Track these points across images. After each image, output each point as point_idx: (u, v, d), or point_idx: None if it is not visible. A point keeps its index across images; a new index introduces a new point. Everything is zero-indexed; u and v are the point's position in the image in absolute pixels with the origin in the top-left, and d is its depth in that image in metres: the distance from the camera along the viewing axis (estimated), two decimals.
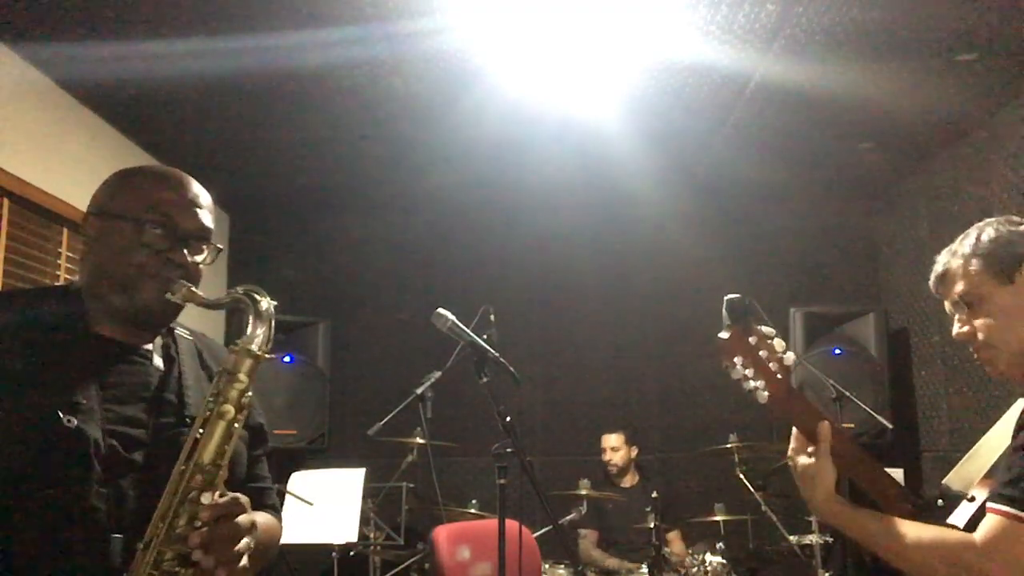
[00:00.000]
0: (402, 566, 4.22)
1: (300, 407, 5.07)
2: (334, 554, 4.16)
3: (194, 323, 1.63)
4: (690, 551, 4.59)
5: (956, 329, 1.66)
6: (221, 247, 1.53)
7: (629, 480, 5.11)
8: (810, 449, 1.60)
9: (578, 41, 3.57)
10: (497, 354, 2.45)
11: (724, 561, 4.12)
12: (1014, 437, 1.50)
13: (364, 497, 4.21)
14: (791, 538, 4.21)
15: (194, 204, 1.47)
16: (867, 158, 4.97)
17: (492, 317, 3.71)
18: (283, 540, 4.28)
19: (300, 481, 4.28)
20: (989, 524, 1.42)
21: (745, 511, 4.50)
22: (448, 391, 4.16)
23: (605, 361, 5.73)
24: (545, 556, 4.07)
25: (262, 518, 1.46)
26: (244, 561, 1.31)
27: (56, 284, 3.76)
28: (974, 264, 1.60)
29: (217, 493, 1.30)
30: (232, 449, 1.34)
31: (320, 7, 3.27)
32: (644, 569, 4.13)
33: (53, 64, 3.69)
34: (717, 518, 4.40)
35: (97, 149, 4.19)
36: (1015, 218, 1.65)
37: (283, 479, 4.26)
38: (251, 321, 1.40)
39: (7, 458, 1.26)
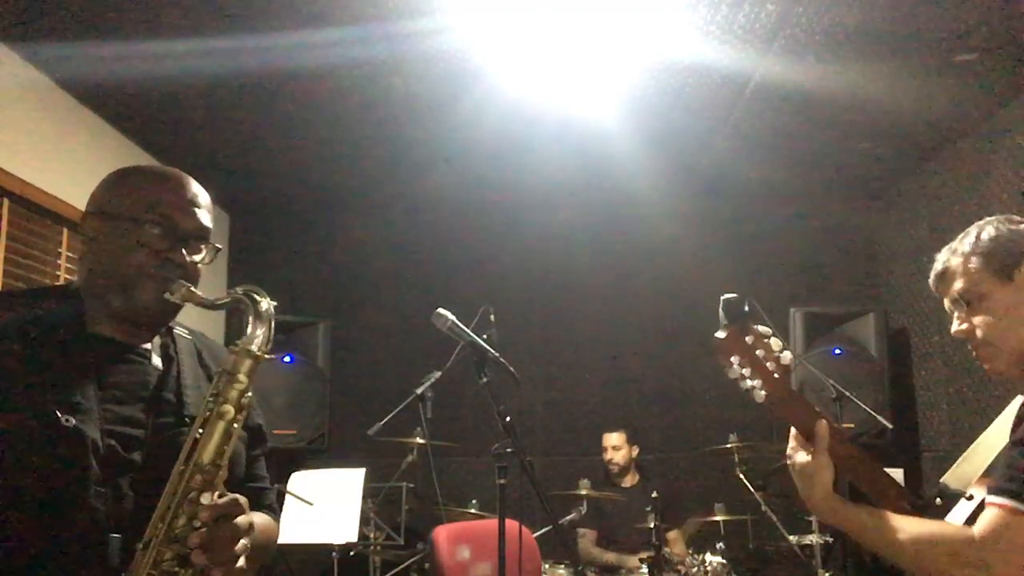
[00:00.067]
0: (402, 566, 4.22)
1: (300, 407, 5.07)
2: (334, 554, 4.16)
3: (194, 323, 1.63)
4: (680, 530, 4.62)
5: (955, 327, 1.66)
6: (220, 247, 1.52)
7: (629, 480, 5.11)
8: (808, 448, 1.60)
9: (578, 41, 3.58)
10: (497, 354, 2.45)
11: (724, 561, 4.12)
12: (1012, 432, 1.50)
13: (364, 497, 4.21)
14: (791, 538, 4.21)
15: (193, 204, 1.46)
16: (867, 158, 4.97)
17: (492, 317, 3.71)
18: (283, 540, 4.27)
19: (300, 481, 4.28)
20: (989, 517, 1.42)
21: (745, 511, 4.50)
22: (448, 391, 4.16)
23: (605, 361, 5.73)
24: (545, 556, 4.07)
25: (260, 519, 1.46)
26: (242, 561, 1.31)
27: (55, 284, 3.77)
28: (974, 262, 1.61)
29: (216, 493, 1.30)
30: (231, 449, 1.34)
31: (320, 7, 3.27)
32: (644, 569, 4.13)
33: (53, 64, 3.70)
34: (717, 518, 4.40)
35: (97, 149, 4.19)
36: (1015, 217, 1.65)
37: (283, 479, 4.26)
38: (251, 321, 1.40)
39: (5, 458, 1.25)
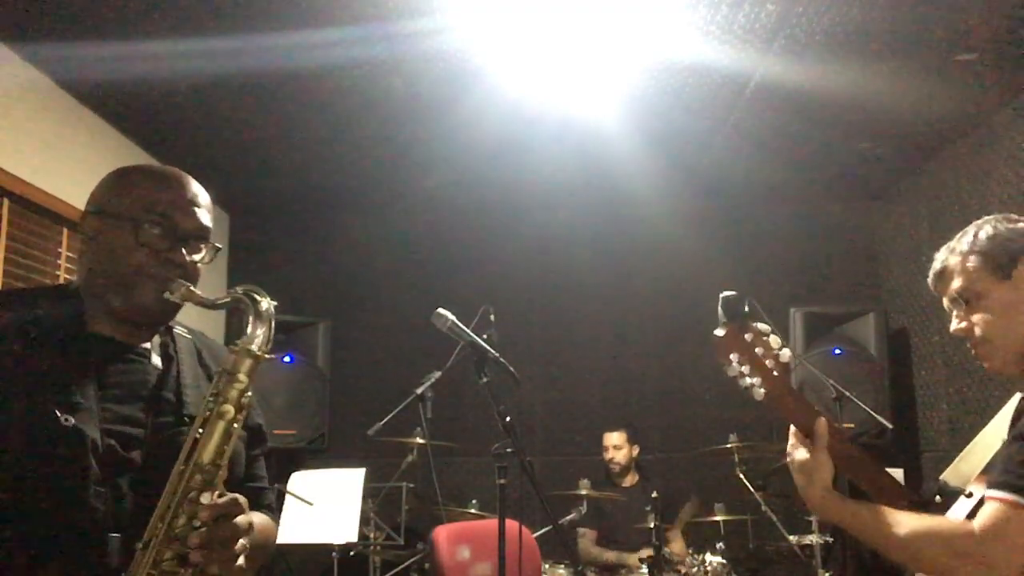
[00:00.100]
0: (402, 566, 4.23)
1: (300, 407, 5.07)
2: (334, 554, 4.16)
3: (194, 323, 1.63)
4: (679, 518, 4.62)
5: (954, 325, 1.67)
6: (220, 246, 1.52)
7: (629, 480, 5.11)
8: (807, 445, 1.60)
9: (578, 41, 3.58)
10: (497, 354, 2.45)
11: (724, 561, 4.12)
12: (1011, 427, 1.50)
13: (364, 497, 4.21)
14: (791, 538, 4.21)
15: (193, 203, 1.46)
16: (867, 158, 4.97)
17: (492, 317, 3.71)
18: (283, 540, 4.25)
19: (300, 481, 4.28)
20: (989, 511, 1.42)
21: (745, 511, 4.50)
22: (448, 391, 4.17)
23: (605, 361, 5.73)
24: (545, 556, 4.07)
25: (259, 518, 1.46)
26: (241, 560, 1.31)
27: (55, 284, 3.76)
28: (972, 261, 1.62)
29: (216, 493, 1.30)
30: (231, 449, 1.34)
31: (320, 7, 3.27)
32: (644, 569, 4.13)
33: (53, 64, 3.70)
34: (717, 518, 4.40)
35: (97, 149, 4.19)
36: (1013, 216, 1.66)
37: (283, 479, 4.26)
38: (251, 321, 1.40)
39: (5, 457, 1.25)
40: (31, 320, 1.37)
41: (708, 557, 4.12)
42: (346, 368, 5.52)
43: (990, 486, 1.44)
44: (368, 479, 4.28)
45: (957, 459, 1.70)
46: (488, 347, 2.45)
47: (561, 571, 4.20)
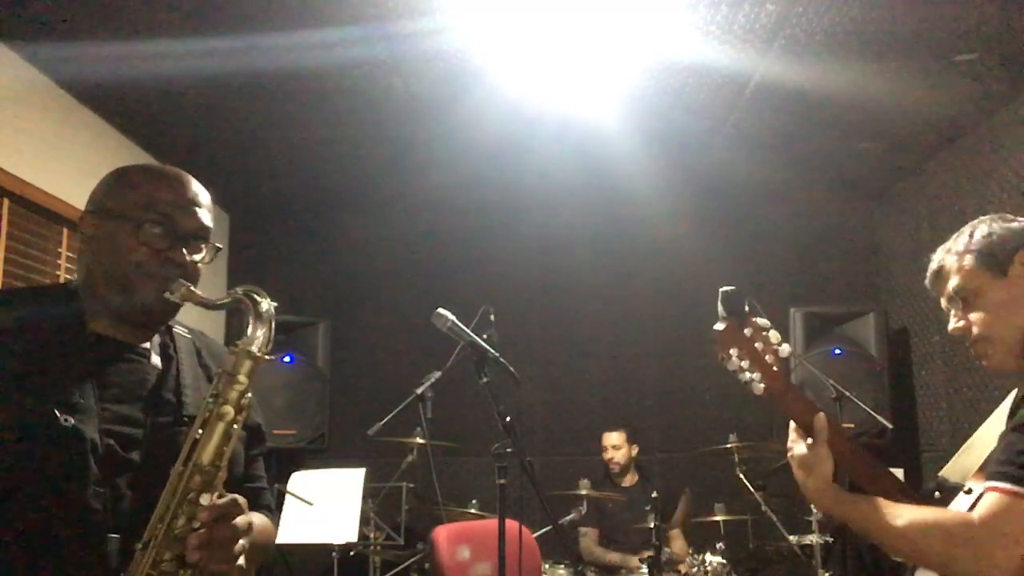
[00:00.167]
0: (402, 566, 4.22)
1: (300, 407, 5.07)
2: (334, 554, 4.16)
3: (194, 322, 1.63)
4: (680, 511, 4.63)
5: (952, 325, 1.69)
6: (220, 246, 1.52)
7: (629, 480, 5.10)
8: (807, 440, 1.61)
9: (578, 41, 3.58)
10: (497, 354, 2.45)
11: (724, 561, 4.12)
12: (1010, 419, 1.51)
13: (364, 497, 4.21)
14: (791, 538, 4.21)
15: (193, 203, 1.46)
16: (867, 158, 4.97)
17: (492, 317, 3.71)
18: (283, 540, 4.25)
19: (300, 481, 4.28)
20: (988, 502, 1.42)
21: (745, 511, 4.50)
22: (448, 391, 4.16)
23: (605, 361, 5.73)
24: (545, 556, 4.07)
25: (258, 519, 1.46)
26: (241, 561, 1.31)
27: (55, 283, 3.76)
28: (968, 260, 1.64)
29: (215, 494, 1.30)
30: (231, 450, 1.34)
31: (320, 7, 3.27)
32: (644, 569, 4.13)
33: (53, 64, 3.70)
34: (717, 518, 4.39)
35: (97, 149, 4.19)
36: (1008, 215, 1.68)
37: (283, 479, 4.26)
38: (251, 322, 1.39)
39: (4, 457, 1.25)
40: (30, 320, 1.37)
41: (708, 557, 4.12)
42: (346, 368, 5.52)
43: (989, 477, 1.44)
44: (368, 479, 4.28)
45: (957, 453, 1.71)
46: (488, 347, 2.45)
47: (561, 571, 4.20)
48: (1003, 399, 1.68)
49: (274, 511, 1.65)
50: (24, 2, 3.19)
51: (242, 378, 1.35)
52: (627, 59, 3.74)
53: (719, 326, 1.60)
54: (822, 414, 1.60)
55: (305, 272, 5.77)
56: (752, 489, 4.31)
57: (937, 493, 1.66)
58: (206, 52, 3.53)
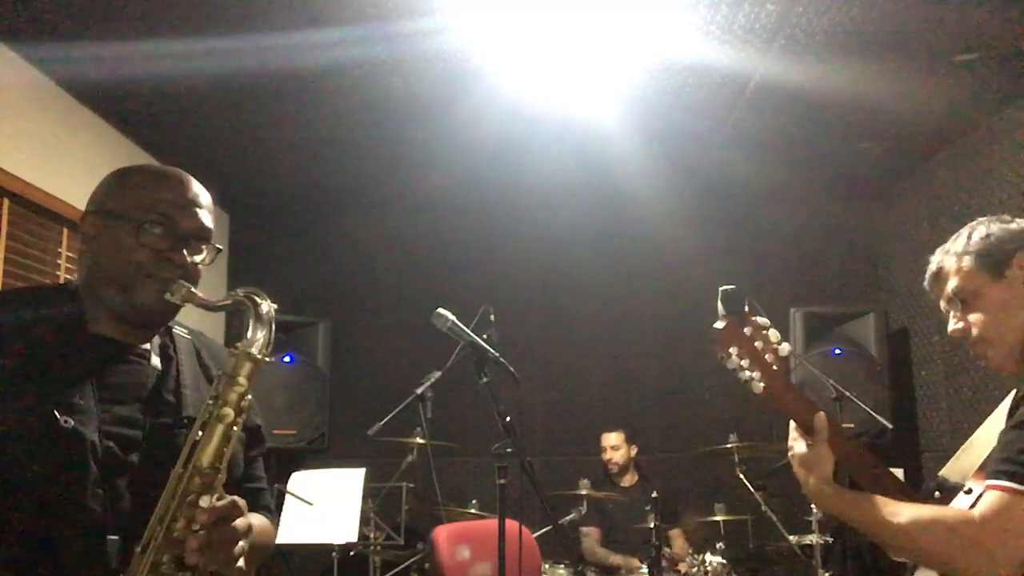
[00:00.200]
0: (402, 566, 4.23)
1: (300, 407, 5.07)
2: (334, 554, 4.16)
3: (194, 323, 1.63)
4: (681, 528, 4.63)
5: (951, 326, 1.69)
6: (221, 248, 1.52)
7: (628, 479, 5.11)
8: (808, 440, 1.61)
9: (578, 41, 3.58)
10: (497, 354, 2.45)
11: (724, 561, 4.12)
12: (1009, 417, 1.51)
13: (364, 497, 4.21)
14: (791, 538, 4.21)
15: (194, 204, 1.46)
16: (867, 158, 4.97)
17: (492, 317, 3.71)
18: (283, 540, 4.24)
19: (300, 481, 4.28)
20: (989, 499, 1.42)
21: (745, 511, 4.50)
22: (448, 391, 4.16)
23: (605, 361, 5.73)
24: (545, 556, 4.07)
25: (257, 520, 1.45)
26: (240, 563, 1.31)
27: (55, 284, 3.76)
28: (966, 262, 1.65)
29: (215, 496, 1.29)
30: (231, 452, 1.34)
31: (320, 7, 3.27)
32: (644, 569, 4.13)
33: (53, 64, 3.70)
34: (717, 518, 4.39)
35: (97, 149, 4.19)
36: (1005, 216, 1.69)
37: (283, 479, 4.26)
38: (251, 324, 1.39)
39: (3, 458, 1.25)
40: (30, 320, 1.37)
41: (708, 557, 4.12)
42: (346, 368, 5.52)
43: (990, 475, 1.45)
44: (368, 479, 4.28)
45: (957, 453, 1.71)
46: (488, 347, 2.45)
47: (561, 571, 4.20)
48: (1002, 399, 1.68)
49: (273, 512, 1.65)
50: (24, 2, 3.19)
51: (242, 380, 1.35)
52: (627, 59, 3.74)
53: (719, 325, 1.60)
54: (822, 413, 1.60)
55: (305, 272, 5.77)
56: (752, 489, 4.31)
57: (937, 493, 1.67)
58: (206, 52, 3.53)
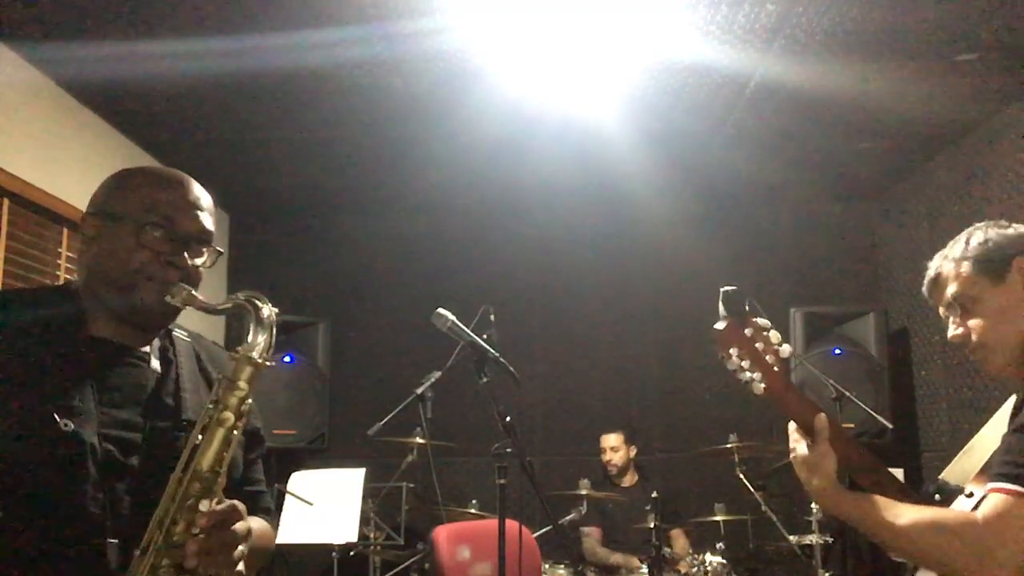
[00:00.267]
0: (402, 566, 4.23)
1: (300, 407, 5.07)
2: (334, 554, 4.16)
3: (194, 325, 1.63)
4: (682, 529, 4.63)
5: (951, 332, 1.69)
6: (221, 251, 1.52)
7: (628, 480, 5.11)
8: (809, 441, 1.61)
9: (578, 41, 3.57)
10: (497, 354, 2.45)
11: (724, 561, 4.12)
12: (1011, 420, 1.51)
13: (364, 497, 4.21)
14: (791, 538, 4.21)
15: (195, 206, 1.46)
16: (867, 158, 4.97)
17: (492, 317, 3.71)
18: (283, 540, 4.24)
19: (300, 481, 4.28)
20: (991, 502, 1.42)
21: (745, 511, 4.50)
22: (448, 391, 4.16)
23: (605, 361, 5.73)
24: (545, 556, 4.07)
25: (257, 523, 1.45)
26: (240, 567, 1.31)
27: (55, 284, 3.77)
28: (965, 267, 1.65)
29: (215, 500, 1.29)
30: (231, 456, 1.34)
31: (320, 7, 3.27)
32: (644, 569, 4.13)
33: (53, 64, 3.69)
34: (717, 518, 4.39)
35: (97, 149, 4.19)
36: (1003, 222, 1.69)
37: (283, 479, 4.26)
38: (252, 328, 1.39)
39: (3, 461, 1.25)
40: (30, 321, 1.37)
41: (708, 557, 4.13)
42: (346, 368, 5.52)
43: (992, 478, 1.45)
44: (368, 479, 4.28)
45: (957, 456, 1.71)
46: (488, 347, 2.45)
47: (561, 571, 4.20)
48: (1003, 399, 1.68)
49: (273, 514, 1.65)
50: (24, 2, 3.19)
51: (242, 384, 1.35)
52: (627, 59, 3.74)
53: (719, 326, 1.60)
54: (823, 414, 1.60)
55: (305, 272, 5.77)
56: (752, 489, 4.31)
57: (937, 496, 1.67)
58: (206, 52, 3.53)
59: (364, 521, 4.22)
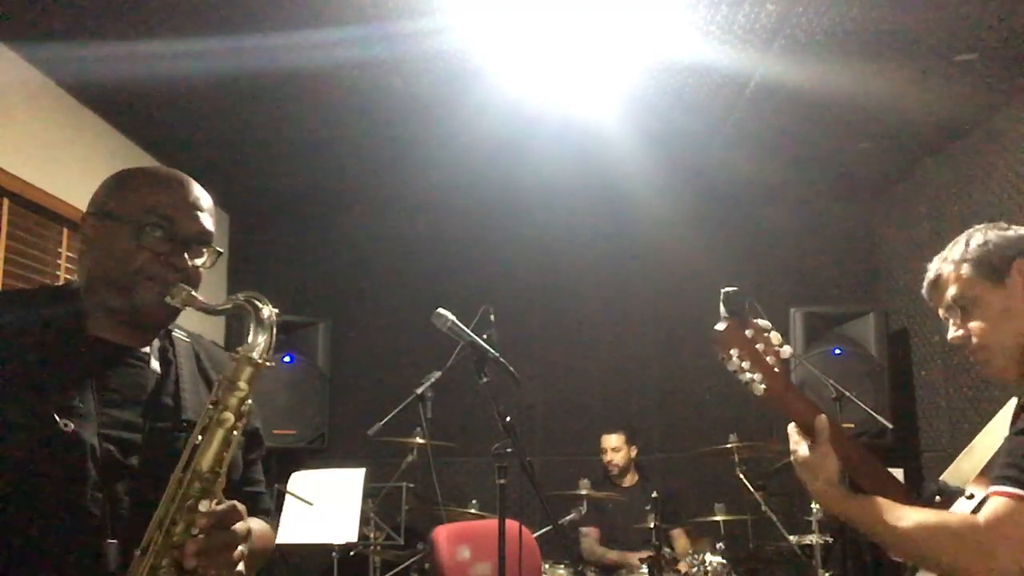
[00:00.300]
0: (402, 566, 4.23)
1: (300, 407, 5.07)
2: (334, 554, 4.16)
3: (194, 325, 1.63)
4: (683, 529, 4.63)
5: (951, 333, 1.69)
6: (221, 251, 1.51)
7: (629, 480, 5.11)
8: (811, 443, 1.61)
9: (578, 41, 3.57)
10: (497, 354, 2.45)
11: (724, 561, 4.12)
12: (1013, 423, 1.51)
13: (364, 497, 4.21)
14: (791, 538, 4.21)
15: (195, 207, 1.45)
16: (867, 158, 4.97)
17: (492, 317, 3.71)
18: (283, 540, 4.24)
19: (300, 481, 4.28)
20: (993, 505, 1.42)
21: (745, 511, 4.50)
22: (448, 391, 4.16)
23: (605, 361, 5.73)
24: (545, 556, 4.07)
25: (256, 524, 1.45)
26: (240, 567, 1.31)
27: (54, 284, 3.76)
28: (965, 269, 1.65)
29: (215, 500, 1.29)
30: (230, 456, 1.34)
31: (320, 7, 3.27)
32: (644, 569, 4.13)
33: (53, 64, 3.70)
34: (717, 518, 4.39)
35: (97, 149, 4.19)
36: (1003, 223, 1.69)
37: (283, 479, 4.27)
38: (252, 328, 1.39)
39: (2, 461, 1.25)
40: (30, 322, 1.37)
41: (708, 557, 4.12)
42: (346, 368, 5.52)
43: (995, 481, 1.45)
44: (368, 479, 4.28)
45: (958, 458, 1.71)
46: (488, 347, 2.45)
47: (561, 571, 4.20)
48: (1003, 400, 1.68)
49: (272, 515, 1.65)
50: (24, 2, 3.19)
51: (242, 385, 1.35)
52: (627, 59, 3.74)
53: (720, 326, 1.60)
54: (823, 416, 1.60)
55: (305, 272, 5.77)
56: (752, 489, 4.31)
57: (937, 497, 1.67)
58: (206, 52, 3.53)
59: (364, 521, 4.22)
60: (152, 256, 1.40)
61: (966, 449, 1.70)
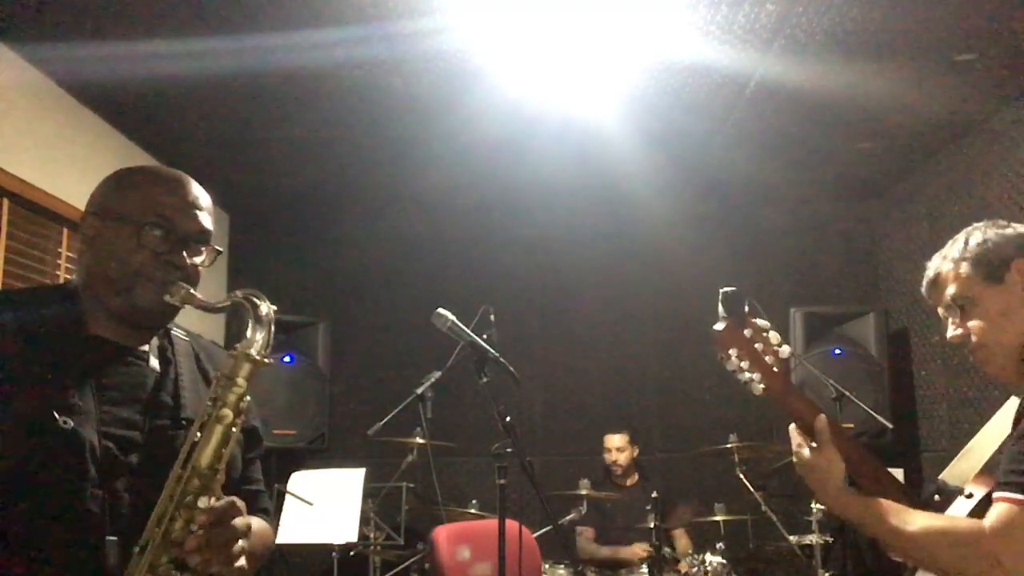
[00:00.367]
0: (402, 566, 4.23)
1: (300, 407, 5.07)
2: (334, 554, 4.16)
3: (193, 325, 1.63)
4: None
5: (950, 332, 1.69)
6: (220, 250, 1.52)
7: (629, 480, 5.10)
8: (812, 444, 1.61)
9: (578, 41, 3.57)
10: (497, 354, 2.45)
11: (724, 561, 4.12)
12: (1014, 427, 1.51)
13: (364, 497, 4.21)
14: (791, 538, 4.21)
15: (194, 206, 1.46)
16: (867, 158, 4.97)
17: (492, 317, 3.71)
18: (283, 540, 4.25)
19: (300, 481, 4.28)
20: (999, 511, 1.42)
21: (745, 511, 4.50)
22: (448, 391, 4.17)
23: (605, 361, 5.73)
24: (545, 556, 4.07)
25: (256, 522, 1.45)
26: (242, 562, 1.31)
27: (55, 284, 3.76)
28: (964, 268, 1.64)
29: (213, 497, 1.29)
30: (229, 453, 1.34)
31: (320, 7, 3.27)
32: (644, 569, 4.13)
33: (53, 64, 3.69)
34: (717, 518, 4.39)
35: (97, 149, 4.19)
36: (1001, 221, 1.69)
37: (283, 479, 4.26)
38: (250, 325, 1.39)
39: (2, 459, 1.25)
40: (30, 321, 1.37)
41: (708, 557, 4.12)
42: (346, 368, 5.53)
43: (999, 486, 1.45)
44: (368, 479, 4.28)
45: (956, 458, 1.71)
46: (488, 347, 2.45)
47: (561, 571, 4.20)
48: (1002, 399, 1.68)
49: (272, 513, 1.65)
50: (24, 2, 3.19)
51: (241, 381, 1.35)
52: (627, 59, 3.74)
53: (719, 326, 1.60)
54: (823, 416, 1.60)
55: (305, 272, 5.77)
56: (752, 489, 4.31)
57: (937, 496, 1.67)
58: (206, 52, 3.53)
59: (364, 521, 4.22)
60: (152, 255, 1.40)
61: (964, 448, 1.70)
